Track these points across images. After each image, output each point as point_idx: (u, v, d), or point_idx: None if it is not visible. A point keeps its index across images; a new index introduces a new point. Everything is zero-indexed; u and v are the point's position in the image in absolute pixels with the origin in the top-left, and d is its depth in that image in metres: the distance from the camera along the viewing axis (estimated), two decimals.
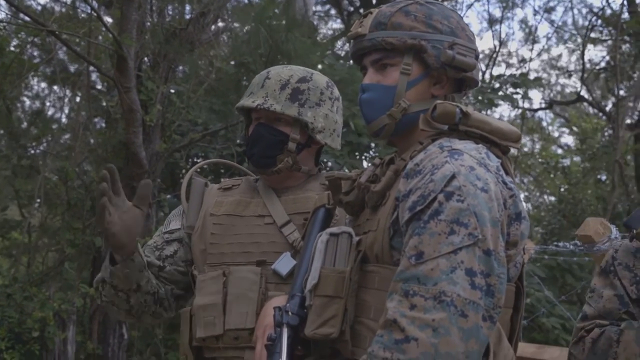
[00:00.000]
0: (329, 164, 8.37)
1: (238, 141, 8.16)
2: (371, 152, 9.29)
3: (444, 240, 1.76)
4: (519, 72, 14.95)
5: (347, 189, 2.21)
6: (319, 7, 15.69)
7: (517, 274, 2.03)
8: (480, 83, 2.24)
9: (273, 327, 2.06)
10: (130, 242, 2.47)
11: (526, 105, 14.07)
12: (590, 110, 16.41)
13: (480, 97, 9.71)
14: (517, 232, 1.93)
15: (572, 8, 15.50)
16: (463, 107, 1.96)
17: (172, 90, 8.49)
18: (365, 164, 9.16)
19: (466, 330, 1.70)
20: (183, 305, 2.76)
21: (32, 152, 9.62)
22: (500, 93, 10.15)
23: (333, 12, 16.52)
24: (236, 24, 9.46)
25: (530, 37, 16.09)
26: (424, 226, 1.80)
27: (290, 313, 2.03)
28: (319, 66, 8.44)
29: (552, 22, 16.81)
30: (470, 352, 1.71)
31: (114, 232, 2.41)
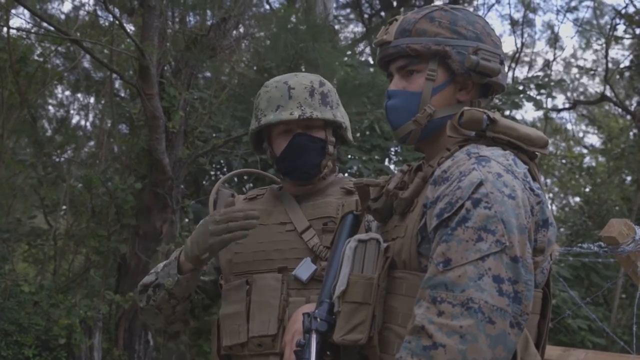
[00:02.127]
0: (355, 167, 8.37)
1: None
2: (399, 157, 9.28)
3: (472, 247, 1.77)
4: (541, 73, 14.88)
5: (376, 196, 2.22)
6: (339, 11, 15.70)
7: (544, 280, 2.03)
8: (506, 87, 2.24)
9: (302, 333, 2.08)
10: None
11: (549, 105, 14.01)
12: (615, 110, 16.32)
13: (503, 99, 9.68)
14: (544, 239, 1.93)
15: (595, 8, 15.32)
16: (490, 114, 1.95)
17: (195, 97, 8.52)
18: (392, 167, 9.15)
19: (493, 337, 1.71)
20: (209, 314, 2.80)
21: (57, 160, 9.69)
22: (523, 95, 10.11)
23: (353, 15, 16.53)
24: (257, 30, 9.49)
25: (553, 37, 16.01)
26: (451, 233, 1.80)
27: (318, 319, 2.04)
28: (342, 72, 8.45)
29: (576, 20, 16.71)
30: (497, 359, 1.71)
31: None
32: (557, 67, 18.87)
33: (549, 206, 2.00)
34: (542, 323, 2.05)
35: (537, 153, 2.02)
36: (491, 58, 2.06)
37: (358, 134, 8.98)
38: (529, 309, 1.79)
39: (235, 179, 9.11)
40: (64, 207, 8.83)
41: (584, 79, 19.26)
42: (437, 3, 15.15)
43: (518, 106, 9.90)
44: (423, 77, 2.09)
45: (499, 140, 1.98)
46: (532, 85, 10.31)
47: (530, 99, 10.32)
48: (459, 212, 1.81)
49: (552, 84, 10.95)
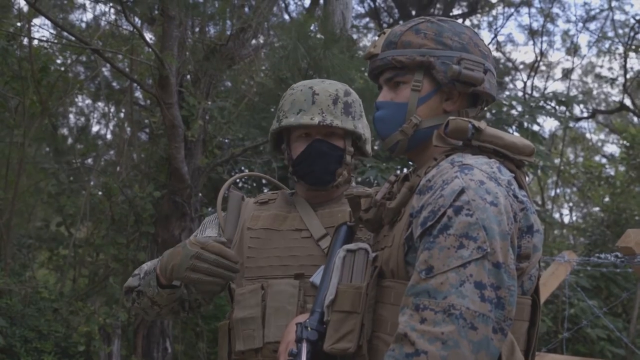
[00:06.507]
0: (371, 177, 8.36)
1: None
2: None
3: (453, 254, 1.78)
4: (560, 82, 14.81)
5: (367, 207, 2.24)
6: (357, 21, 15.72)
7: (533, 287, 2.04)
8: (497, 97, 2.26)
9: (295, 343, 2.10)
10: None
11: (568, 114, 13.96)
12: (635, 119, 16.22)
13: (525, 111, 9.64)
14: (529, 245, 1.94)
15: (612, 19, 15.23)
16: (475, 123, 1.98)
17: (216, 106, 8.56)
18: None
19: (476, 343, 1.72)
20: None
21: (78, 168, 9.78)
22: (544, 112, 10.05)
23: (372, 25, 16.54)
24: (276, 40, 9.53)
25: (572, 47, 15.95)
26: (433, 241, 1.82)
27: (309, 328, 2.06)
28: (361, 81, 8.46)
29: (594, 31, 16.64)
30: None
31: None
32: (575, 76, 18.77)
33: (534, 212, 2.00)
34: (532, 330, 2.05)
35: (524, 161, 2.04)
36: (474, 67, 2.08)
37: (376, 142, 8.98)
38: (513, 314, 1.80)
39: (254, 184, 9.15)
40: (83, 216, 8.88)
41: (604, 88, 19.17)
42: (455, 13, 15.13)
43: (536, 121, 9.84)
44: (409, 88, 2.12)
45: (484, 148, 2.00)
46: (552, 101, 10.23)
47: (551, 114, 10.27)
48: (441, 220, 1.83)
49: (578, 99, 10.90)
